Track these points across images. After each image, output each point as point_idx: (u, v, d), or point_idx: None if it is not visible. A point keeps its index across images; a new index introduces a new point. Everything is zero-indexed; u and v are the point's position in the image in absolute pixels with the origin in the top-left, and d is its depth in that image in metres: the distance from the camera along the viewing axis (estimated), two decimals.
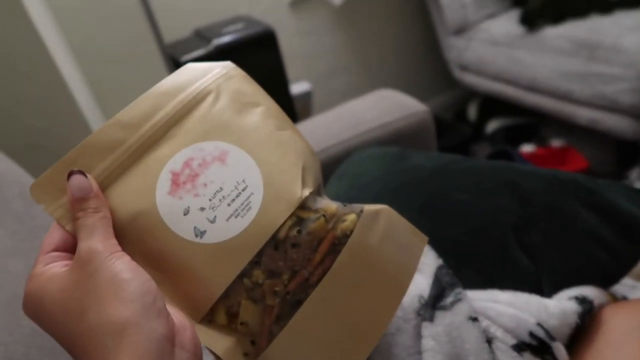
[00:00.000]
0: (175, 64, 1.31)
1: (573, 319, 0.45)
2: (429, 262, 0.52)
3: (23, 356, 0.46)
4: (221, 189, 0.34)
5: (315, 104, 1.84)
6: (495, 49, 1.73)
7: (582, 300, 0.46)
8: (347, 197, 0.66)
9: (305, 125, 0.92)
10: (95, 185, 0.32)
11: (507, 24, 1.73)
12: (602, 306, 0.48)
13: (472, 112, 2.09)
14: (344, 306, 0.34)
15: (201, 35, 1.37)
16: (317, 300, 0.33)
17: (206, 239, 0.33)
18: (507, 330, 0.44)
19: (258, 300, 0.33)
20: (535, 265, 0.52)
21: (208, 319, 0.33)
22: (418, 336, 0.46)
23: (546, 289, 0.51)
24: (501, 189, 0.59)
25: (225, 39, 1.28)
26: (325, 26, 1.92)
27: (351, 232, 0.36)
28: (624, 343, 0.43)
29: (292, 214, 0.35)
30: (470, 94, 2.10)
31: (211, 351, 0.32)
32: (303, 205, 0.36)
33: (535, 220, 0.55)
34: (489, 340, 0.44)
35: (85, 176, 0.32)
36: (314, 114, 1.71)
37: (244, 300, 0.33)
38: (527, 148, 1.74)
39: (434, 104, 2.29)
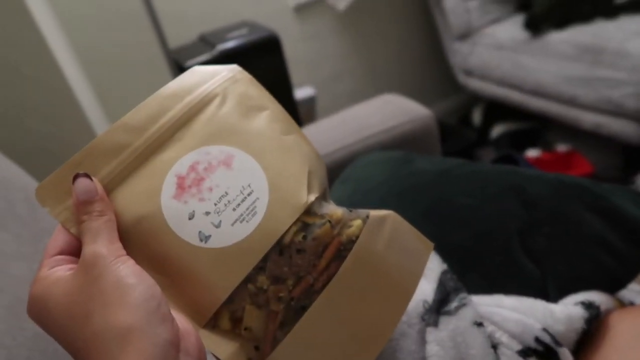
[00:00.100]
0: (179, 69, 1.32)
1: (579, 325, 0.44)
2: (433, 266, 0.52)
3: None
4: (226, 193, 0.34)
5: (319, 108, 1.84)
6: (500, 53, 1.73)
7: (588, 306, 0.46)
8: (351, 202, 0.66)
9: (309, 130, 0.92)
10: (100, 188, 0.32)
11: (512, 28, 1.73)
12: (609, 311, 0.48)
13: (477, 117, 2.09)
14: (349, 312, 0.34)
15: (206, 41, 1.37)
16: (321, 306, 0.33)
17: (211, 244, 0.33)
18: (512, 335, 0.44)
19: (262, 305, 0.33)
20: (540, 270, 0.52)
21: (212, 324, 0.32)
22: (422, 341, 0.45)
23: (552, 294, 0.50)
24: (506, 193, 0.59)
25: (230, 44, 1.29)
26: (329, 31, 1.92)
27: (357, 237, 0.35)
28: (631, 349, 0.43)
29: (298, 219, 0.35)
30: (475, 98, 2.09)
31: (215, 356, 0.31)
32: (309, 211, 0.36)
33: (540, 224, 0.55)
34: (495, 346, 0.43)
35: (91, 179, 0.32)
36: (318, 118, 1.71)
37: (248, 306, 0.33)
38: (532, 153, 1.74)
39: (439, 108, 2.29)
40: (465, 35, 1.85)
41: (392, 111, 0.90)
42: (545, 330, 0.43)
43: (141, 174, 0.34)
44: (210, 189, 0.34)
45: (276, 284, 0.33)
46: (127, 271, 0.28)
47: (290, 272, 0.33)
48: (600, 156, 1.67)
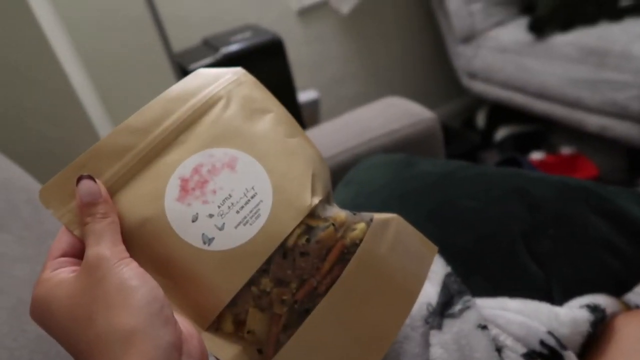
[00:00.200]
0: (183, 73, 1.32)
1: (585, 328, 0.44)
2: (437, 269, 0.52)
3: None
4: (230, 195, 0.34)
5: (322, 112, 1.84)
6: (504, 56, 1.73)
7: (594, 309, 0.46)
8: (354, 205, 0.66)
9: (312, 133, 0.92)
10: (104, 191, 0.32)
11: (516, 31, 1.72)
12: (614, 315, 0.47)
13: (481, 119, 2.09)
14: (352, 316, 0.34)
15: (209, 44, 1.38)
16: (325, 309, 0.33)
17: (214, 246, 0.32)
18: (517, 338, 0.43)
19: (265, 308, 0.33)
20: (545, 272, 0.52)
21: (215, 326, 0.32)
22: (426, 344, 0.45)
23: (557, 297, 0.50)
24: (510, 195, 0.59)
25: (233, 47, 1.29)
26: (332, 34, 1.92)
27: (360, 241, 0.35)
28: (637, 352, 0.43)
29: (301, 222, 0.35)
30: (479, 101, 2.09)
31: (217, 359, 0.31)
32: (312, 214, 0.36)
33: (545, 227, 0.55)
34: (499, 349, 0.43)
35: (95, 181, 0.32)
36: (322, 121, 1.71)
37: (252, 309, 0.33)
38: (536, 155, 1.74)
39: (443, 111, 2.29)
40: (469, 38, 1.85)
41: (396, 114, 0.90)
42: (550, 333, 0.43)
43: (145, 176, 0.34)
44: (214, 192, 0.34)
45: (279, 287, 0.33)
46: (130, 273, 0.28)
47: (294, 275, 0.33)
48: (605, 159, 1.66)
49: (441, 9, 1.87)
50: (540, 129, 1.90)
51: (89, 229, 0.30)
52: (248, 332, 0.32)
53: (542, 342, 0.42)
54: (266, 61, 1.33)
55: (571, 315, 0.45)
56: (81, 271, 0.29)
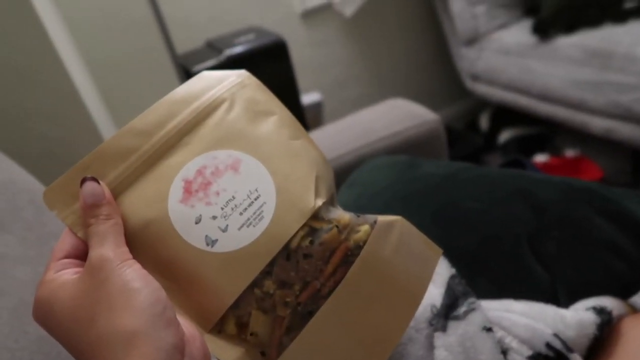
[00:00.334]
0: (187, 75, 1.32)
1: (591, 330, 0.44)
2: (441, 271, 0.52)
3: None
4: (233, 197, 0.34)
5: (326, 114, 1.84)
6: (507, 58, 1.73)
7: (600, 311, 0.45)
8: (357, 206, 0.66)
9: (316, 135, 0.92)
10: (107, 192, 0.32)
11: (519, 33, 1.72)
12: (621, 317, 0.47)
13: (484, 122, 2.08)
14: (356, 318, 0.34)
15: (213, 46, 1.38)
16: (328, 311, 0.33)
17: (217, 248, 0.32)
18: (522, 340, 0.43)
19: (269, 310, 0.33)
20: (550, 274, 0.52)
21: (217, 329, 0.32)
22: (430, 346, 0.45)
23: (562, 299, 0.50)
24: (514, 197, 0.59)
25: (237, 49, 1.29)
26: (336, 36, 1.92)
27: (364, 243, 0.35)
28: None
29: (305, 224, 0.35)
30: (482, 103, 2.09)
31: None
32: (316, 216, 0.36)
33: (549, 229, 0.54)
34: (504, 351, 0.43)
35: (98, 183, 0.32)
36: (325, 124, 1.71)
37: (255, 311, 0.32)
38: (540, 158, 1.73)
39: (446, 114, 2.29)
40: (473, 40, 1.84)
41: (399, 116, 0.90)
42: (556, 335, 0.43)
43: (148, 178, 0.34)
44: (217, 193, 0.34)
45: (283, 289, 0.33)
46: (133, 275, 0.28)
47: (297, 277, 0.33)
48: (609, 161, 1.66)
49: (445, 11, 1.87)
50: (544, 132, 1.89)
51: (92, 230, 0.30)
52: (251, 334, 0.32)
53: (548, 345, 0.42)
54: (270, 63, 1.33)
55: (577, 317, 0.44)
56: (84, 273, 0.29)
